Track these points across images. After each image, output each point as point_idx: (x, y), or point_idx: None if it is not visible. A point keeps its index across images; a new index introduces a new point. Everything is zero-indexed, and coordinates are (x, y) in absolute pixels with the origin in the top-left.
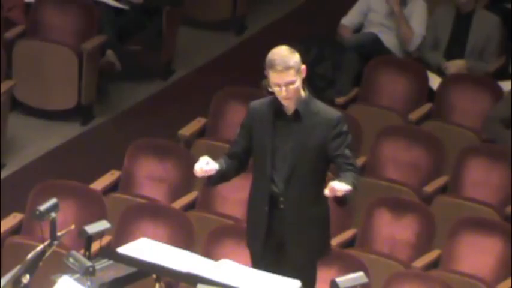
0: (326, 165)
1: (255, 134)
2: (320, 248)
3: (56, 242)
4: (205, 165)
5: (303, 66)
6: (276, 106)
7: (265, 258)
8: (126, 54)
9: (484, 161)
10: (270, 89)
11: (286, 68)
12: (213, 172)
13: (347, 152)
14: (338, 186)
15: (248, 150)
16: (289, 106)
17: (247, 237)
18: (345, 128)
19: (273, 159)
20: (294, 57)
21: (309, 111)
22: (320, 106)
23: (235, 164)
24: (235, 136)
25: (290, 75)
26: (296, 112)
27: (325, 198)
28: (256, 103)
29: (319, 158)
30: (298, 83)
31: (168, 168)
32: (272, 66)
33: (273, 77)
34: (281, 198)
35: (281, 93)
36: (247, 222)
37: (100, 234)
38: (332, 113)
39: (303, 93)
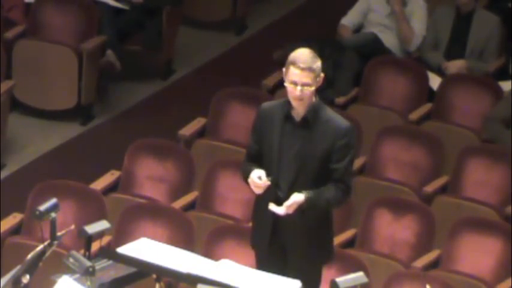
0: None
1: (264, 136)
2: (323, 254)
3: (56, 242)
4: (260, 181)
5: (322, 75)
6: (286, 110)
7: (269, 262)
8: (126, 54)
9: (484, 161)
10: (286, 85)
11: (308, 68)
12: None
13: (347, 166)
14: (289, 203)
15: (262, 154)
16: (299, 111)
17: (252, 239)
18: (352, 140)
19: (279, 164)
20: (318, 62)
21: (318, 118)
22: (330, 114)
23: (258, 167)
24: (249, 141)
25: (310, 78)
26: (304, 118)
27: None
28: (266, 105)
29: (323, 166)
30: (314, 88)
31: (168, 168)
32: (296, 63)
33: (293, 74)
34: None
35: (295, 92)
36: (253, 224)
37: (100, 234)
38: (342, 122)
39: (313, 99)
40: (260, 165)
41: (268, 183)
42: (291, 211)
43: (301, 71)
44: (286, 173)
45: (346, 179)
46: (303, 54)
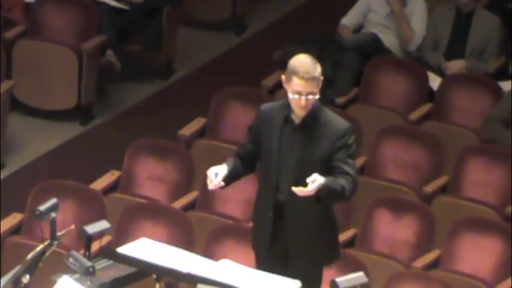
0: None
1: (263, 139)
2: (326, 255)
3: (56, 242)
4: (215, 179)
5: (322, 78)
6: (286, 113)
7: (270, 263)
8: (126, 54)
9: (484, 161)
10: (289, 95)
11: (312, 77)
12: (223, 183)
13: (348, 161)
14: (311, 179)
15: (255, 154)
16: (299, 114)
17: (252, 241)
18: (351, 140)
19: (279, 167)
20: (318, 68)
21: (317, 121)
22: (330, 116)
23: (244, 165)
24: (244, 139)
25: (314, 86)
26: (304, 121)
27: (331, 206)
28: (266, 107)
29: (324, 168)
30: (317, 95)
31: (168, 168)
32: (298, 72)
33: (296, 84)
34: (286, 206)
35: (300, 102)
36: (253, 225)
37: (100, 234)
38: (340, 124)
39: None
40: (247, 165)
41: (222, 184)
42: (312, 191)
43: (306, 81)
44: (286, 176)
45: (351, 172)
46: (305, 63)
